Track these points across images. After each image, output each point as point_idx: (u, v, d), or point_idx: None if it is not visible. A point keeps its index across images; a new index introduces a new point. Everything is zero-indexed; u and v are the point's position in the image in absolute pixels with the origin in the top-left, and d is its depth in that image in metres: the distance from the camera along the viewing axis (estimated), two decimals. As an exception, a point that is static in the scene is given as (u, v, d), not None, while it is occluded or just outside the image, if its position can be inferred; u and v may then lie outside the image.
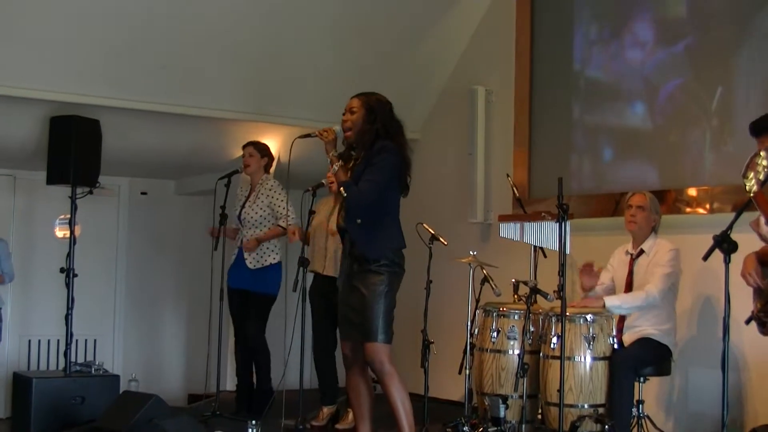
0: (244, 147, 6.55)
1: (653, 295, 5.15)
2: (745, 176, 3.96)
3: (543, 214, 5.35)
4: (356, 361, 4.78)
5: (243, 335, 6.52)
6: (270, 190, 6.41)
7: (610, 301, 5.22)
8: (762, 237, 4.41)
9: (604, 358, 5.13)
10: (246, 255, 6.39)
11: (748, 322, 4.49)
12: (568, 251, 4.90)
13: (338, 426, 6.11)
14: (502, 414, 5.25)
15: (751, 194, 3.94)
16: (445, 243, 5.94)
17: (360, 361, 4.78)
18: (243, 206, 6.49)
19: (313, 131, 4.81)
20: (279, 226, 6.34)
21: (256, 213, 6.41)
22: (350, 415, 6.08)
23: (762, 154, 3.92)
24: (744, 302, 4.54)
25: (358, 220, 4.68)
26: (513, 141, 7.04)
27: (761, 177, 3.93)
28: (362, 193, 4.62)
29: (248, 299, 6.41)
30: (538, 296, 5.26)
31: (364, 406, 4.85)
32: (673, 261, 5.24)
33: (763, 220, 4.36)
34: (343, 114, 4.81)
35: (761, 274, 4.37)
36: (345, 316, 4.81)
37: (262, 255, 6.40)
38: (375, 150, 4.70)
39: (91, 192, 6.48)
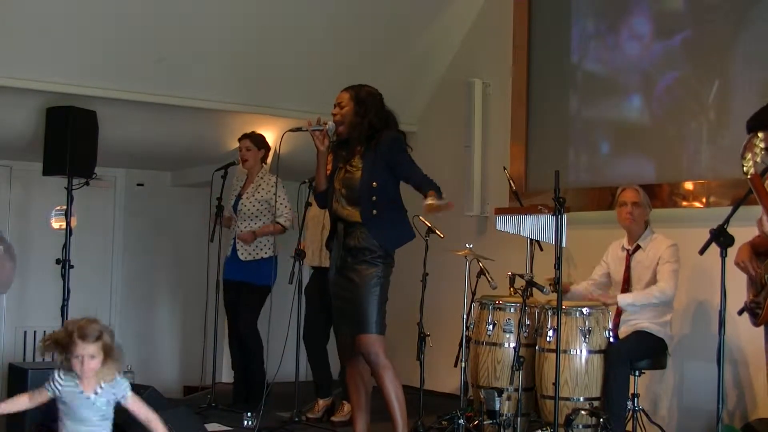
0: (240, 140, 6.53)
1: (667, 294, 5.16)
2: (743, 157, 3.95)
3: (540, 207, 5.35)
4: (354, 353, 4.78)
5: (236, 327, 6.53)
6: (272, 187, 6.39)
7: (624, 299, 5.21)
8: (765, 234, 4.41)
9: (599, 352, 5.13)
10: (239, 247, 6.38)
11: (740, 312, 4.50)
12: (564, 244, 4.90)
13: (334, 418, 6.11)
14: (497, 407, 5.26)
15: (748, 176, 3.93)
16: (442, 236, 5.93)
17: (358, 352, 4.79)
18: (240, 197, 6.47)
19: (304, 125, 4.75)
20: (278, 223, 6.34)
21: (253, 206, 6.40)
22: (345, 408, 6.09)
23: (760, 135, 3.91)
24: (740, 296, 4.54)
25: (374, 212, 4.67)
26: (510, 134, 7.04)
27: (758, 159, 3.92)
28: (433, 184, 4.64)
29: (242, 290, 6.41)
30: (534, 289, 5.25)
31: (362, 398, 4.85)
32: (677, 256, 5.24)
33: (765, 217, 4.35)
34: (333, 108, 4.80)
35: (756, 263, 4.38)
36: (340, 309, 4.81)
37: (254, 248, 6.39)
38: (386, 143, 4.69)
39: (87, 183, 6.47)
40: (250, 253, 6.38)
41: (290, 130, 4.85)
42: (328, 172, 4.90)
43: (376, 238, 4.65)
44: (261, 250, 6.39)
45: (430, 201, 4.48)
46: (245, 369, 6.52)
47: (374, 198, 4.67)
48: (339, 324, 4.90)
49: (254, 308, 6.38)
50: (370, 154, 4.71)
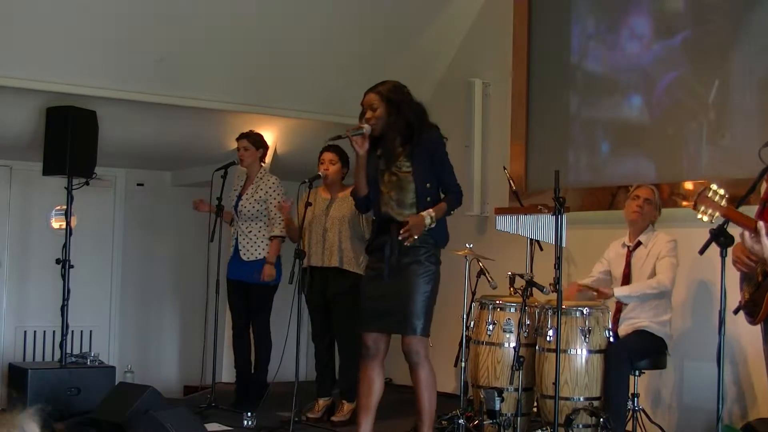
0: (238, 140, 6.53)
1: (665, 284, 5.16)
2: (696, 209, 4.00)
3: (539, 207, 5.35)
4: (377, 353, 4.75)
5: (241, 327, 6.54)
6: (270, 188, 6.41)
7: (620, 292, 5.21)
8: (747, 247, 4.42)
9: (599, 351, 5.13)
10: (241, 248, 6.40)
11: (736, 311, 4.50)
12: (564, 244, 4.91)
13: (334, 418, 6.10)
14: (497, 407, 5.25)
15: (722, 217, 3.99)
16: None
17: (381, 353, 4.76)
18: (240, 198, 6.47)
19: (344, 133, 4.68)
20: (275, 236, 6.35)
21: (253, 207, 6.40)
22: (345, 407, 6.09)
23: (712, 187, 3.97)
24: (739, 295, 4.54)
25: (434, 224, 4.67)
26: (510, 134, 7.04)
27: (723, 203, 3.96)
28: (459, 196, 4.80)
29: (249, 291, 6.42)
30: (534, 289, 5.25)
31: (372, 399, 4.78)
32: (676, 251, 5.25)
33: (747, 234, 4.36)
34: (364, 112, 4.72)
35: (747, 255, 4.40)
36: (374, 307, 4.73)
37: (255, 249, 6.41)
38: (432, 142, 4.73)
39: (87, 183, 6.47)
40: (252, 254, 6.40)
41: (330, 140, 4.80)
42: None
43: (434, 237, 4.68)
44: (264, 250, 6.40)
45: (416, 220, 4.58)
46: (250, 368, 6.54)
47: (428, 199, 4.68)
48: (368, 321, 4.77)
49: (267, 309, 6.46)
50: (418, 155, 4.69)
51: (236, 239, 6.46)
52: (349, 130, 4.64)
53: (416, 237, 4.58)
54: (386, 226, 4.73)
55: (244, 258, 6.39)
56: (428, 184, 4.69)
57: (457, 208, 4.82)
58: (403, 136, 4.70)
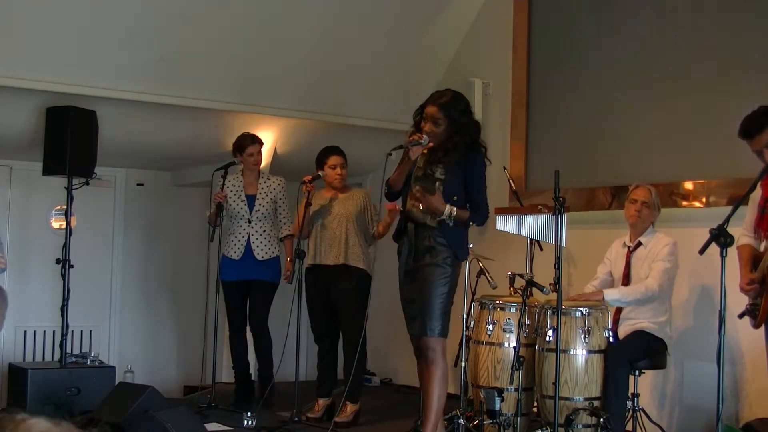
0: (250, 145, 6.47)
1: (653, 289, 5.16)
2: None
3: (539, 206, 5.35)
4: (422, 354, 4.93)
5: (241, 328, 6.56)
6: (280, 190, 6.54)
7: (610, 295, 5.23)
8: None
9: (599, 351, 5.13)
10: (255, 248, 6.44)
11: (741, 316, 4.53)
12: (564, 244, 4.91)
13: (336, 419, 6.08)
14: (497, 407, 5.26)
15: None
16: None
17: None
18: (255, 199, 6.48)
19: (404, 143, 4.79)
20: (289, 236, 6.46)
21: (270, 206, 6.53)
22: (348, 408, 6.08)
23: None
24: (740, 296, 4.55)
25: (451, 224, 4.76)
26: (510, 133, 7.04)
27: None
28: (484, 217, 4.93)
29: (256, 289, 6.47)
30: (534, 289, 5.25)
31: None
32: (672, 255, 5.24)
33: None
34: (424, 123, 4.83)
35: (749, 272, 4.45)
36: (407, 311, 4.93)
37: (269, 248, 6.50)
38: (473, 165, 4.83)
39: (87, 183, 6.47)
40: (267, 252, 6.47)
41: (393, 150, 4.85)
42: None
43: (451, 246, 4.79)
44: (276, 248, 6.53)
45: (436, 202, 4.71)
46: (249, 368, 6.56)
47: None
48: (408, 327, 4.98)
49: (267, 307, 6.52)
50: (454, 168, 4.80)
51: (248, 240, 6.45)
52: (410, 141, 4.76)
53: (420, 207, 4.76)
54: (404, 224, 4.89)
55: (259, 258, 6.44)
56: (455, 197, 4.78)
57: (476, 224, 4.94)
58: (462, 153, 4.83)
